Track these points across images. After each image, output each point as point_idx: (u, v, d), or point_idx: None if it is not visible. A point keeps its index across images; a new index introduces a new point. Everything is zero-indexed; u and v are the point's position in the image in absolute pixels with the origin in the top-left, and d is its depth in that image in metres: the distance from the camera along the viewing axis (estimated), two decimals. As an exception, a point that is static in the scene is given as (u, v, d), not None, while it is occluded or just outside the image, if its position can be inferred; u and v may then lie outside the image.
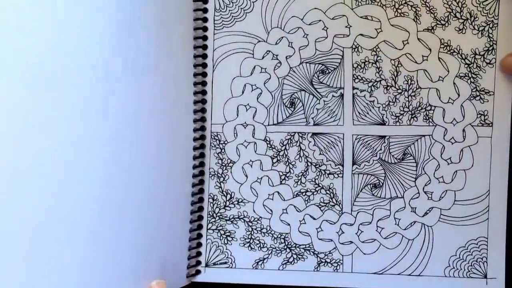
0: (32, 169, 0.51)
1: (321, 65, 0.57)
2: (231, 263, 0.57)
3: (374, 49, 0.57)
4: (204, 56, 0.56)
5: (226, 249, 0.57)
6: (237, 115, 0.57)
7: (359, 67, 0.57)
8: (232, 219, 0.57)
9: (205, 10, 0.56)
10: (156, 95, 0.54)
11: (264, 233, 0.57)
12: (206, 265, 0.57)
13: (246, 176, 0.57)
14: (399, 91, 0.57)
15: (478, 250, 0.56)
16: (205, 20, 0.56)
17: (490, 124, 0.56)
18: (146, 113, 0.54)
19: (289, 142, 0.57)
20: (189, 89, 0.56)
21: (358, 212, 0.57)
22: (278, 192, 0.57)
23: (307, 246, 0.57)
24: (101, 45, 0.53)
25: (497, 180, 0.56)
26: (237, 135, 0.57)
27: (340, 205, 0.57)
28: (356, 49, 0.57)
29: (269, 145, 0.57)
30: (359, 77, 0.57)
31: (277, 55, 0.57)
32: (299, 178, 0.57)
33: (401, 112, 0.57)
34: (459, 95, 0.56)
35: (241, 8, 0.57)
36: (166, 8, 0.54)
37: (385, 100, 0.57)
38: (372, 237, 0.57)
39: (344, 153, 0.57)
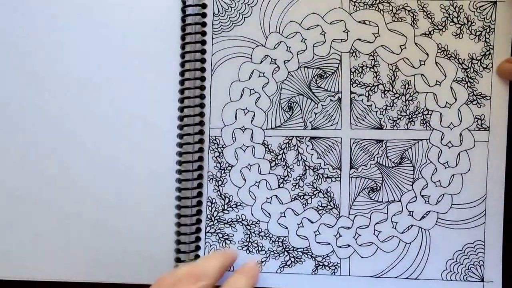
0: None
1: (319, 70, 0.57)
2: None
3: (372, 53, 0.57)
4: (203, 60, 0.57)
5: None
6: (236, 119, 0.57)
7: (356, 71, 0.57)
8: (230, 223, 0.57)
9: (203, 15, 0.56)
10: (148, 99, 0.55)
11: (262, 236, 0.57)
12: (205, 268, 0.57)
13: (244, 179, 0.57)
14: (397, 95, 0.57)
15: (475, 253, 0.57)
16: (203, 24, 0.57)
17: (487, 129, 0.57)
18: (139, 115, 0.56)
19: (287, 146, 0.57)
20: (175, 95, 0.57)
21: (355, 216, 0.57)
22: (276, 196, 0.57)
23: (305, 249, 0.57)
24: (98, 47, 0.54)
25: (493, 184, 0.57)
26: (235, 139, 0.57)
27: (338, 209, 0.57)
28: (353, 54, 0.57)
29: (267, 149, 0.57)
30: (356, 81, 0.57)
31: (275, 60, 0.57)
32: (297, 181, 0.57)
33: (399, 117, 0.57)
34: (456, 99, 0.57)
35: (239, 13, 0.57)
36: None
37: (382, 105, 0.57)
38: (369, 241, 0.57)
39: (342, 157, 0.57)
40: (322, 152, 0.57)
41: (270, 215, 0.57)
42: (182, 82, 0.56)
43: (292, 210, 0.57)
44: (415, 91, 0.57)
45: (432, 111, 0.57)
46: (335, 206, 0.57)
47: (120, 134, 0.56)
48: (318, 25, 0.57)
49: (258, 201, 0.57)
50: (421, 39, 0.57)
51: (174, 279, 0.50)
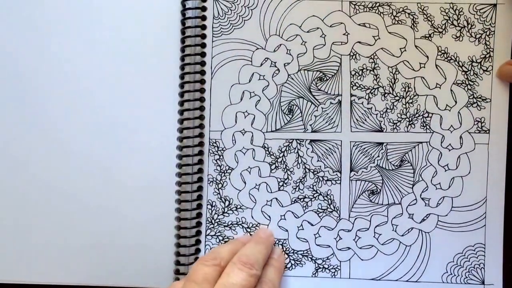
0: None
1: (319, 72, 0.57)
2: (229, 269, 0.57)
3: (372, 56, 0.57)
4: (203, 63, 0.57)
5: (225, 255, 0.57)
6: (236, 122, 0.57)
7: (356, 74, 0.57)
8: (231, 225, 0.57)
9: (203, 18, 0.56)
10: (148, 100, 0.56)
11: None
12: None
13: (245, 182, 0.57)
14: (397, 98, 0.57)
15: (476, 256, 0.57)
16: (203, 27, 0.57)
17: (487, 131, 0.57)
18: (139, 118, 0.56)
19: (287, 149, 0.57)
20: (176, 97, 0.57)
21: (355, 219, 0.57)
22: (276, 199, 0.57)
23: (305, 252, 0.57)
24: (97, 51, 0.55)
25: (494, 187, 0.57)
26: (235, 142, 0.57)
27: (338, 211, 0.57)
28: (353, 57, 0.57)
29: (267, 152, 0.57)
30: (356, 84, 0.57)
31: (275, 62, 0.57)
32: (297, 184, 0.57)
33: (399, 119, 0.57)
34: (456, 102, 0.57)
35: (239, 16, 0.57)
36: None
37: (382, 107, 0.57)
38: (369, 243, 0.57)
39: (342, 160, 0.57)
40: (322, 154, 0.57)
41: (270, 217, 0.57)
42: (182, 85, 0.56)
43: (292, 212, 0.57)
44: (415, 94, 0.57)
45: (432, 113, 0.57)
46: (335, 209, 0.57)
47: (120, 138, 0.56)
48: (318, 28, 0.57)
49: (258, 204, 0.57)
50: (421, 41, 0.57)
51: (221, 261, 0.50)
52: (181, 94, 0.56)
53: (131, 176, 0.56)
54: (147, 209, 0.56)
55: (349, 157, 0.57)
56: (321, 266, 0.57)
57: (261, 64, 0.57)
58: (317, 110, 0.57)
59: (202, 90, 0.57)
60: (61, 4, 0.57)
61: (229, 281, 0.49)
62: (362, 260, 0.57)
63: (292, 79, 0.57)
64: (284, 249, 0.57)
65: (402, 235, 0.57)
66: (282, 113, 0.57)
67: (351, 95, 0.57)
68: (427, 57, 0.57)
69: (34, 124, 0.56)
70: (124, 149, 0.56)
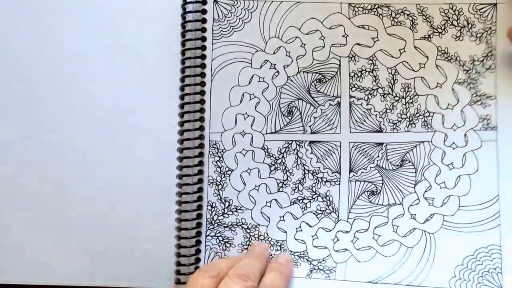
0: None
1: (318, 74, 0.57)
2: (229, 269, 0.57)
3: (371, 58, 0.57)
4: (203, 65, 0.57)
5: (225, 255, 0.57)
6: (236, 124, 0.58)
7: (356, 76, 0.57)
8: (230, 226, 0.57)
9: (204, 21, 0.58)
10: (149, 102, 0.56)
11: (261, 240, 0.57)
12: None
13: (244, 184, 0.57)
14: (396, 98, 0.57)
15: (490, 259, 0.55)
16: (203, 30, 0.58)
17: (495, 128, 0.56)
18: (139, 121, 0.57)
19: (286, 150, 0.57)
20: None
21: (354, 220, 0.56)
22: (276, 200, 0.57)
23: (302, 253, 0.57)
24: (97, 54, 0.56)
25: (507, 184, 0.55)
26: (235, 144, 0.58)
27: (337, 213, 0.57)
28: (352, 58, 0.57)
29: (266, 153, 0.57)
30: (356, 85, 0.57)
31: (275, 65, 0.58)
32: (296, 185, 0.57)
33: (399, 119, 0.56)
34: (458, 101, 0.56)
35: (239, 18, 0.58)
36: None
37: (382, 108, 0.57)
38: (368, 245, 0.56)
39: (341, 161, 0.57)
40: (321, 156, 0.57)
41: (269, 218, 0.57)
42: (182, 88, 0.57)
43: (291, 214, 0.57)
44: (415, 94, 0.56)
45: (434, 113, 0.56)
46: (334, 210, 0.57)
47: (120, 140, 0.57)
48: (317, 30, 0.58)
49: (258, 205, 0.57)
50: (421, 42, 0.57)
51: (218, 273, 0.51)
52: (182, 97, 0.57)
53: (132, 178, 0.57)
54: (147, 210, 0.57)
55: (348, 158, 0.57)
56: (316, 267, 0.56)
57: (261, 66, 0.58)
58: (316, 112, 0.57)
59: (202, 93, 0.57)
60: (62, 7, 0.58)
61: None
62: (359, 262, 0.56)
63: (292, 81, 0.58)
64: (282, 250, 0.57)
65: (404, 236, 0.56)
66: (282, 115, 0.58)
67: (350, 97, 0.57)
68: (427, 57, 0.56)
69: (35, 124, 0.57)
70: (125, 151, 0.57)
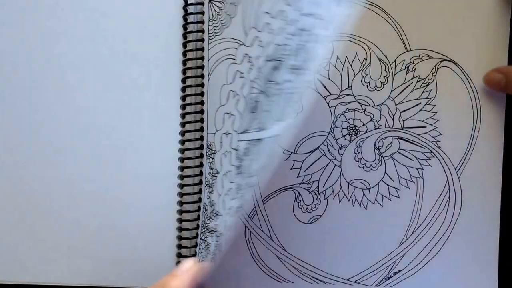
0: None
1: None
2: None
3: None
4: (203, 67, 0.57)
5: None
6: (223, 124, 0.55)
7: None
8: (212, 231, 0.55)
9: (203, 22, 0.57)
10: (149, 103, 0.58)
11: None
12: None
13: (223, 187, 0.54)
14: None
15: None
16: (203, 31, 0.57)
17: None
18: (141, 122, 0.58)
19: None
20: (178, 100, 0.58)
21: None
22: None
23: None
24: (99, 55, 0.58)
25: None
26: (221, 145, 0.55)
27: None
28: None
29: (236, 154, 0.53)
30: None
31: (251, 58, 0.53)
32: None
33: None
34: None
35: (227, 15, 0.55)
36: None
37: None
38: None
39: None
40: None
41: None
42: (184, 89, 0.58)
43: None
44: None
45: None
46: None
47: (122, 141, 0.58)
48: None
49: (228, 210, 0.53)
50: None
51: None
52: (183, 98, 0.58)
53: (133, 178, 0.58)
54: (149, 211, 0.58)
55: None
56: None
57: (242, 61, 0.54)
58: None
59: (202, 94, 0.57)
60: (64, 9, 0.58)
61: None
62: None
63: (260, 72, 0.52)
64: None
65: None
66: (250, 112, 0.52)
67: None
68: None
69: (38, 124, 0.58)
70: (127, 151, 0.58)
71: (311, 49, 0.46)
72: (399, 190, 0.56)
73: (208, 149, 0.56)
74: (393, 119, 0.56)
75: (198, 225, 0.57)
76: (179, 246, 0.57)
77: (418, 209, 0.56)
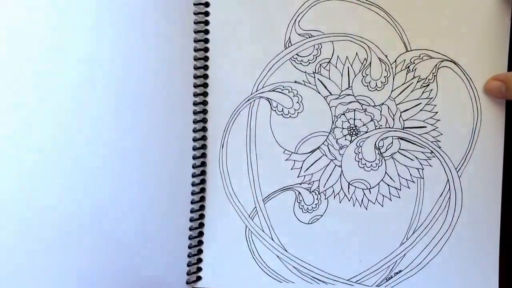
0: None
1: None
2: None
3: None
4: (205, 67, 0.57)
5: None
6: (224, 124, 0.56)
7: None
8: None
9: (206, 23, 0.57)
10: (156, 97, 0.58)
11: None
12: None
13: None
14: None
15: None
16: (206, 32, 0.57)
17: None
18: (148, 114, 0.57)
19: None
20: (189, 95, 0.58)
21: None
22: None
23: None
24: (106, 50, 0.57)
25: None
26: (222, 144, 0.56)
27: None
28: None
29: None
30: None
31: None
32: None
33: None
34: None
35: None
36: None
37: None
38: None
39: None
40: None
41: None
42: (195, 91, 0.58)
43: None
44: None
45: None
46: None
47: (130, 139, 0.58)
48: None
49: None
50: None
51: None
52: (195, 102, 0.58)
53: (135, 178, 0.57)
54: (151, 210, 0.57)
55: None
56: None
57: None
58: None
59: (205, 94, 0.58)
60: (69, 4, 0.57)
61: None
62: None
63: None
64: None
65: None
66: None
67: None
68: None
69: (43, 125, 0.57)
70: (129, 152, 0.57)
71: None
72: (400, 190, 0.56)
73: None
74: (393, 119, 0.56)
75: (201, 224, 0.57)
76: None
77: (418, 209, 0.56)
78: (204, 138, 0.57)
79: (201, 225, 0.57)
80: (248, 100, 0.57)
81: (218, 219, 0.57)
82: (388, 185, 0.56)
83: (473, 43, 0.55)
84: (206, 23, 0.57)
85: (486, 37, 0.55)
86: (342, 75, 0.56)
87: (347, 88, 0.56)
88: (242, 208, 0.57)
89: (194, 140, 0.57)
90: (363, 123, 0.56)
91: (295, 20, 0.56)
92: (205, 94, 0.57)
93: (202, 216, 0.57)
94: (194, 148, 0.57)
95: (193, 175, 0.57)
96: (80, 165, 0.57)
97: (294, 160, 0.57)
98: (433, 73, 0.56)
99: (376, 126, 0.56)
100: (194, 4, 0.57)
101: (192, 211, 0.57)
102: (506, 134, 0.56)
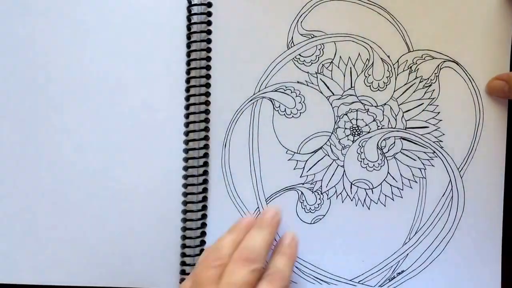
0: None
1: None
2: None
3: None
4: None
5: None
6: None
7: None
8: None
9: (209, 23, 0.58)
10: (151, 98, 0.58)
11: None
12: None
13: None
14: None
15: None
16: (209, 32, 0.58)
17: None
18: (144, 121, 0.58)
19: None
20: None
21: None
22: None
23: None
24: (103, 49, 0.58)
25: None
26: (225, 144, 0.56)
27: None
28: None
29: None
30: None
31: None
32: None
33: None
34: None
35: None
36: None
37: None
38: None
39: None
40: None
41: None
42: (188, 90, 0.58)
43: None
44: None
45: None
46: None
47: (126, 140, 0.58)
48: None
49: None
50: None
51: (223, 260, 0.50)
52: (187, 98, 0.58)
53: (137, 178, 0.58)
54: (152, 210, 0.58)
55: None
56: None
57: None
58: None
59: (207, 94, 0.58)
60: (69, 5, 0.58)
61: (232, 280, 0.49)
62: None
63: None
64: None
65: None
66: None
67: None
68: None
69: (42, 127, 0.58)
70: (131, 151, 0.58)
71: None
72: (402, 190, 0.56)
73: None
74: (395, 119, 0.56)
75: (203, 224, 0.57)
76: (183, 246, 0.57)
77: (421, 209, 0.56)
78: (206, 138, 0.57)
79: (204, 225, 0.57)
80: (251, 100, 0.57)
81: (221, 219, 0.57)
82: (391, 185, 0.56)
83: (475, 43, 0.55)
84: (209, 23, 0.57)
85: (488, 37, 0.55)
86: (344, 76, 0.56)
87: (349, 88, 0.56)
88: (245, 208, 0.57)
89: (196, 140, 0.57)
90: (366, 123, 0.56)
91: (298, 20, 0.56)
92: (207, 94, 0.57)
93: (204, 216, 0.57)
94: (196, 148, 0.57)
95: (195, 175, 0.57)
96: (83, 164, 0.58)
97: (297, 160, 0.57)
98: (435, 74, 0.56)
99: (378, 126, 0.56)
100: (197, 4, 0.57)
101: (194, 211, 0.57)
102: (508, 134, 0.56)
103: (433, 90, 0.56)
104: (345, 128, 0.56)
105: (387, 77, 0.56)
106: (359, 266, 0.56)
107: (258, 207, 0.57)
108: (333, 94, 0.56)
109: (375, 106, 0.56)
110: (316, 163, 0.57)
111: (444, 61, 0.56)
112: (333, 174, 0.56)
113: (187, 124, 0.58)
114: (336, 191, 0.56)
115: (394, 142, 0.56)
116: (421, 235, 0.56)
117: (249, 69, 0.57)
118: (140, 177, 0.58)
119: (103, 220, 0.58)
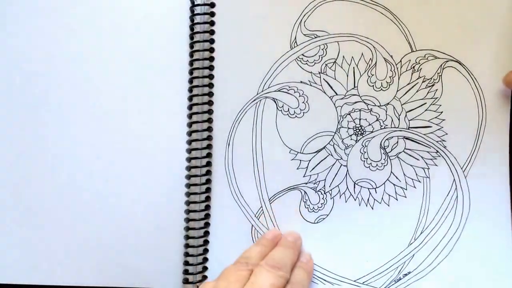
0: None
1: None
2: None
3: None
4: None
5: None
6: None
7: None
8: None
9: (212, 23, 0.58)
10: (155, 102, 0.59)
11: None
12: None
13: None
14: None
15: None
16: (212, 32, 0.58)
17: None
18: (147, 123, 0.58)
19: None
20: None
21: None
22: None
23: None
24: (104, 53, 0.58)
25: None
26: (228, 142, 0.56)
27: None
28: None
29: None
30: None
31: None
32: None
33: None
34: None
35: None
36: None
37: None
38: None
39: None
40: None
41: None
42: (191, 89, 0.58)
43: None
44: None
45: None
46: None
47: (129, 141, 0.58)
48: None
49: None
50: None
51: (249, 264, 0.52)
52: (190, 98, 0.58)
53: (140, 178, 0.58)
54: (155, 210, 0.58)
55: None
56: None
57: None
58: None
59: (210, 94, 0.58)
60: (70, 6, 0.59)
61: (259, 281, 0.50)
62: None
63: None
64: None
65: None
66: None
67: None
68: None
69: (43, 127, 0.58)
70: (134, 152, 0.58)
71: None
72: (406, 189, 0.56)
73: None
74: (398, 119, 0.56)
75: (206, 223, 0.56)
76: (186, 246, 0.57)
77: (425, 208, 0.55)
78: (209, 138, 0.57)
79: (207, 224, 0.57)
80: (254, 100, 0.57)
81: (224, 219, 0.57)
82: (394, 184, 0.56)
83: (478, 43, 0.55)
84: (212, 23, 0.58)
85: (491, 37, 0.55)
86: (347, 75, 0.57)
87: (352, 88, 0.57)
88: (248, 207, 0.56)
89: (199, 140, 0.57)
90: (369, 123, 0.56)
91: (301, 20, 0.57)
92: (210, 94, 0.57)
93: (207, 216, 0.57)
94: (199, 148, 0.57)
95: (199, 175, 0.57)
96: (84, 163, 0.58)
97: (300, 160, 0.57)
98: (438, 73, 0.56)
99: (381, 126, 0.56)
100: (200, 5, 0.58)
101: (197, 210, 0.57)
102: (511, 133, 0.56)
103: (436, 89, 0.56)
104: (348, 128, 0.56)
105: (390, 77, 0.56)
106: (363, 266, 0.56)
107: (261, 207, 0.56)
108: (336, 94, 0.57)
109: (378, 106, 0.56)
110: (319, 162, 0.57)
111: (447, 61, 0.56)
112: (336, 174, 0.56)
113: (190, 124, 0.58)
114: (339, 190, 0.56)
115: (397, 142, 0.56)
116: (426, 235, 0.55)
117: (252, 69, 0.57)
118: (143, 177, 0.58)
119: (106, 220, 0.58)
